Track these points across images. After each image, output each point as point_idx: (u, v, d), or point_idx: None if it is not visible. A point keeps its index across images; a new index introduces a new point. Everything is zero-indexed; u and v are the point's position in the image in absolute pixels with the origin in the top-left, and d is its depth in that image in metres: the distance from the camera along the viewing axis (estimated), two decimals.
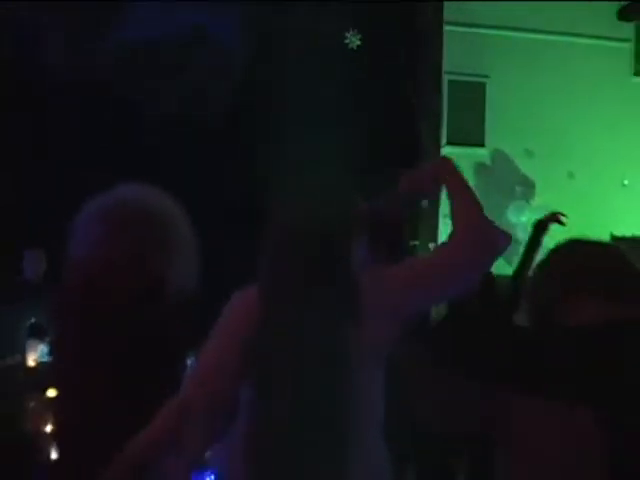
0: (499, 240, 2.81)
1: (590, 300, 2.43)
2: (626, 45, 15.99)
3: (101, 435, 2.77)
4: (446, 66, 11.43)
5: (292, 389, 2.72)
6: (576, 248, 2.60)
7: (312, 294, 2.79)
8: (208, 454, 2.94)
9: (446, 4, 13.37)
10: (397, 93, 9.82)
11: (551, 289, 2.52)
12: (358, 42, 10.00)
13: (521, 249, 5.96)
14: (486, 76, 11.37)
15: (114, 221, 2.83)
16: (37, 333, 7.19)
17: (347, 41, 10.00)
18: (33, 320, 7.28)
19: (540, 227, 6.23)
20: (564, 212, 6.22)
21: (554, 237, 2.69)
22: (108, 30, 8.91)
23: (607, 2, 14.62)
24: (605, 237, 8.53)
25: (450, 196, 2.91)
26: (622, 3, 14.76)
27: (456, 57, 11.58)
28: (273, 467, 2.73)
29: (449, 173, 2.94)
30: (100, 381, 2.83)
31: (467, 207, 2.87)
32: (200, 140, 8.96)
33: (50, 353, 7.10)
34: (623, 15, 14.93)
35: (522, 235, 10.81)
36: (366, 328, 2.73)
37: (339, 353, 2.72)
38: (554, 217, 6.32)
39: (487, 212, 2.76)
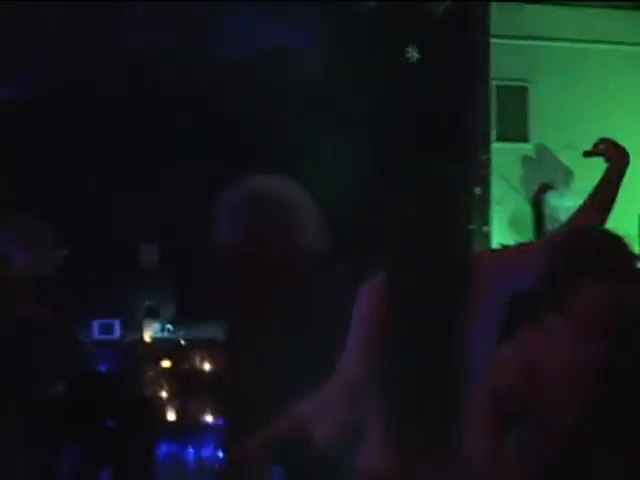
0: None
1: (594, 283, 2.38)
2: None
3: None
4: (493, 73, 11.43)
5: (410, 373, 2.66)
6: (584, 235, 2.57)
7: (429, 281, 2.69)
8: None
9: (492, 19, 13.31)
10: (448, 98, 9.72)
11: (558, 272, 2.46)
12: (417, 56, 9.96)
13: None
14: (527, 81, 11.32)
15: (250, 206, 3.04)
16: (152, 314, 7.43)
17: (408, 55, 9.95)
18: (148, 303, 7.50)
19: (536, 202, 6.16)
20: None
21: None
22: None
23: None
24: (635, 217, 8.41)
25: (603, 185, 2.84)
26: None
27: (501, 65, 11.52)
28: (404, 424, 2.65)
29: (621, 166, 2.84)
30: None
31: (598, 207, 2.79)
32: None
33: (163, 330, 7.34)
34: None
35: (563, 217, 10.73)
36: (479, 305, 2.66)
37: (455, 336, 2.64)
38: (544, 188, 6.27)
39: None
